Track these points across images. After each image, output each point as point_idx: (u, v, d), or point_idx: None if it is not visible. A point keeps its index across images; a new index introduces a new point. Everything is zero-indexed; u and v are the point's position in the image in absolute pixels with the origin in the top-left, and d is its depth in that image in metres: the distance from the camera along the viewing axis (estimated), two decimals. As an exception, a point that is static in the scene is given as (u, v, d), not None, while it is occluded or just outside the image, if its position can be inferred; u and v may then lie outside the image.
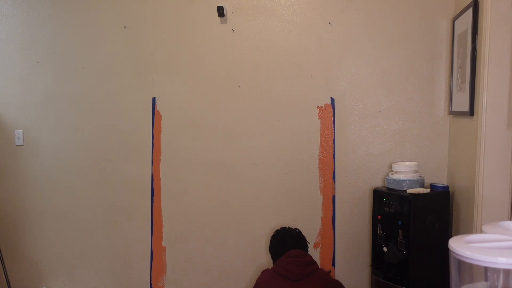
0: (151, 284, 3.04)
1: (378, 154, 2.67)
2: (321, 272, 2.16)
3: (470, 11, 2.12)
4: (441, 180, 2.60)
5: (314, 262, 2.18)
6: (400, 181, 2.39)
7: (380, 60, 2.63)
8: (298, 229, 2.40)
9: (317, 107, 2.72)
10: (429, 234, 2.30)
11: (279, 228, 2.44)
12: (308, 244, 2.37)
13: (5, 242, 3.21)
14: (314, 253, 2.80)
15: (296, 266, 2.09)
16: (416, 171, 2.45)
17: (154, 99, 2.91)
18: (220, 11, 2.71)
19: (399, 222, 2.31)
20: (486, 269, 0.99)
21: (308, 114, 2.73)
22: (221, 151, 2.86)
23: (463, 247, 0.99)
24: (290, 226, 2.43)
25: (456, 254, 1.00)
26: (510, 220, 1.38)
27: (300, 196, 2.79)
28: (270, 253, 2.36)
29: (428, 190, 2.36)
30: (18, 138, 3.12)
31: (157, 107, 2.91)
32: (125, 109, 2.96)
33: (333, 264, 2.79)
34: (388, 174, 2.53)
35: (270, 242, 2.38)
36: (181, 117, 2.89)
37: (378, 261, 2.51)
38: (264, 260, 2.88)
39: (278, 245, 2.31)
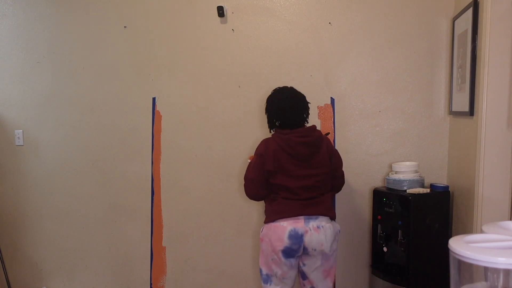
0: (151, 284, 3.04)
1: (378, 154, 2.67)
2: (324, 145, 2.18)
3: (470, 11, 2.12)
4: (441, 180, 2.60)
5: (319, 137, 2.18)
6: (400, 181, 2.39)
7: (380, 60, 2.63)
8: (300, 93, 2.25)
9: (317, 107, 2.72)
10: (429, 234, 2.30)
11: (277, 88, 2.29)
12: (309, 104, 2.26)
13: (5, 242, 3.21)
14: (314, 253, 2.80)
15: (305, 147, 2.12)
16: (416, 171, 2.45)
17: (154, 99, 2.91)
18: (220, 11, 2.71)
19: (399, 222, 2.31)
20: (486, 269, 0.99)
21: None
22: (221, 151, 2.86)
23: (463, 247, 0.99)
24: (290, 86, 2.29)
25: (456, 254, 1.00)
26: (510, 220, 1.38)
27: (300, 196, 2.78)
28: (268, 116, 2.25)
29: (428, 190, 2.36)
30: (18, 138, 3.12)
31: (157, 107, 2.91)
32: (125, 109, 2.96)
33: (333, 264, 2.79)
34: (388, 174, 2.53)
35: (269, 103, 2.25)
36: (181, 117, 2.89)
37: (378, 261, 2.51)
38: (264, 260, 2.88)
39: (279, 112, 2.20)
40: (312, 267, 2.15)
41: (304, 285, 2.23)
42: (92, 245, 3.10)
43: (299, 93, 2.25)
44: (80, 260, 3.14)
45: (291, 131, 2.15)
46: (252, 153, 2.83)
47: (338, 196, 2.74)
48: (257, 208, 2.85)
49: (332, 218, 2.19)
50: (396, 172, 2.46)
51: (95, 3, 2.93)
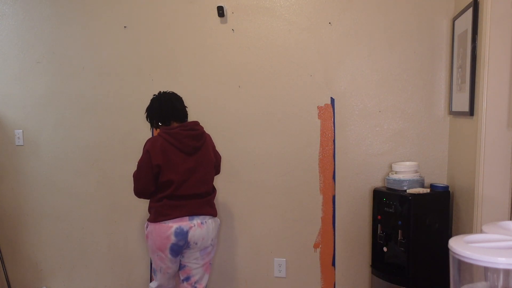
0: (151, 284, 3.03)
1: (378, 154, 2.67)
2: (208, 140, 2.36)
3: (470, 11, 2.12)
4: (441, 180, 2.60)
5: (203, 131, 2.34)
6: (400, 181, 2.39)
7: (380, 60, 2.63)
8: (179, 97, 2.36)
9: (317, 107, 2.72)
10: (429, 234, 2.30)
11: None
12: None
13: (5, 242, 3.22)
14: (314, 253, 2.80)
15: (192, 140, 2.25)
16: (416, 171, 2.45)
17: (154, 99, 2.90)
18: (220, 11, 2.71)
19: (399, 222, 2.31)
20: (486, 269, 0.99)
21: (308, 114, 2.73)
22: (221, 151, 2.85)
23: (463, 247, 0.99)
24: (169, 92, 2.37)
25: (456, 254, 1.00)
26: (510, 220, 1.38)
27: (300, 196, 2.79)
28: (152, 117, 2.32)
29: (428, 190, 2.36)
30: (18, 138, 3.12)
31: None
32: (125, 109, 2.96)
33: (333, 264, 2.79)
34: (388, 174, 2.53)
35: (151, 107, 2.32)
36: (181, 117, 2.88)
37: (378, 261, 2.51)
38: (264, 260, 2.88)
39: (161, 114, 2.29)
40: (194, 258, 2.28)
41: (180, 275, 2.35)
42: (92, 245, 3.10)
43: (177, 94, 2.37)
44: (80, 260, 3.14)
45: (178, 125, 2.26)
46: (250, 153, 2.83)
47: (338, 196, 2.74)
48: (257, 208, 2.85)
49: (215, 215, 2.34)
50: (396, 172, 2.46)
51: (95, 3, 2.93)
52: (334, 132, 2.71)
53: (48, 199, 3.13)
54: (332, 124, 2.71)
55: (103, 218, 3.07)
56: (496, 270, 0.98)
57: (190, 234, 2.19)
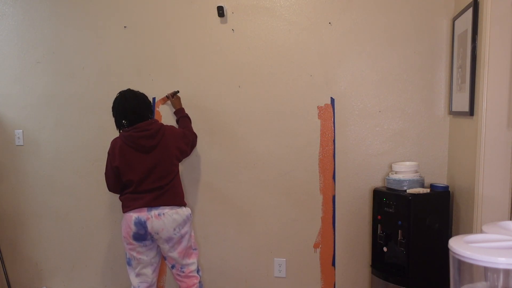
0: (151, 284, 3.03)
1: (378, 154, 2.67)
2: (168, 134, 2.43)
3: (470, 11, 2.13)
4: (441, 180, 2.60)
5: (159, 128, 2.42)
6: (400, 181, 2.39)
7: (380, 60, 2.63)
8: (138, 92, 2.50)
9: (317, 107, 2.72)
10: (429, 234, 2.30)
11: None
12: (153, 100, 2.52)
13: (5, 242, 3.22)
14: (314, 253, 2.80)
15: (147, 139, 2.38)
16: (416, 171, 2.45)
17: (154, 99, 2.91)
18: (220, 11, 2.72)
19: (399, 222, 2.31)
20: (486, 269, 0.99)
21: (308, 114, 2.73)
22: (221, 151, 2.86)
23: (463, 247, 0.99)
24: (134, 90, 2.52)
25: (456, 254, 1.00)
26: (510, 220, 1.38)
27: (300, 196, 2.79)
28: (115, 119, 2.47)
29: (428, 190, 2.36)
30: (18, 138, 3.12)
31: (157, 107, 2.91)
32: (125, 109, 2.96)
33: (333, 264, 2.79)
34: (388, 174, 2.53)
35: (113, 106, 2.47)
36: (181, 117, 2.88)
37: (378, 261, 2.51)
38: (264, 260, 2.88)
39: (119, 117, 2.44)
40: (164, 248, 2.43)
41: (167, 264, 2.53)
42: (92, 245, 3.11)
43: (137, 92, 2.50)
44: (80, 260, 3.14)
45: (131, 128, 2.39)
46: (250, 153, 2.83)
47: (338, 196, 2.74)
48: (257, 208, 2.85)
49: (179, 205, 2.43)
50: (396, 172, 2.46)
51: (95, 3, 2.93)
52: (334, 132, 2.71)
53: (48, 199, 3.13)
54: (332, 124, 2.71)
55: (103, 218, 3.07)
56: (496, 270, 0.98)
57: (148, 225, 2.35)
